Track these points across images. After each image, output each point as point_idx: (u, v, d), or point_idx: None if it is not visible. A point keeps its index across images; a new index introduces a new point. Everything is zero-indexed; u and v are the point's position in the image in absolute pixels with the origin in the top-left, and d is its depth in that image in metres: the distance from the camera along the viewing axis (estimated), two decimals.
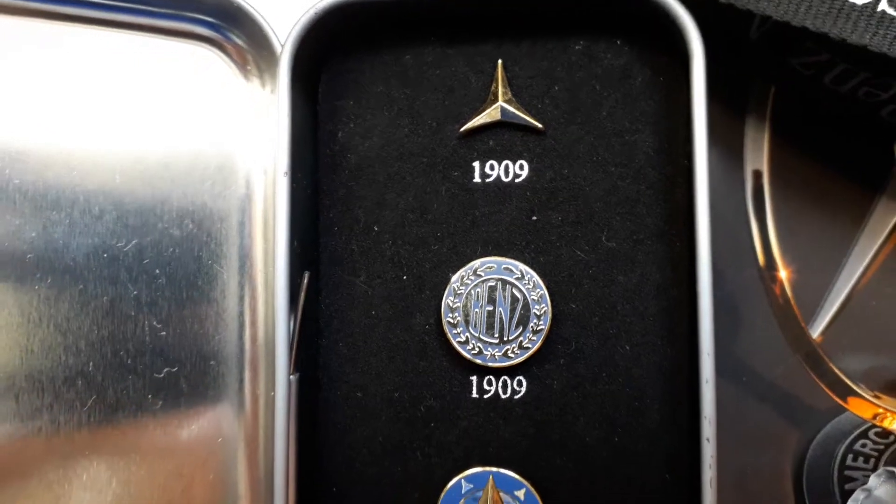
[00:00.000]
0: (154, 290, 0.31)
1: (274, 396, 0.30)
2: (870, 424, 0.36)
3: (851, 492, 0.35)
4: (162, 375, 0.31)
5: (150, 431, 0.31)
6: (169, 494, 0.31)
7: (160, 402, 0.30)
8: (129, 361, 0.30)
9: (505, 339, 0.29)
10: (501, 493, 0.29)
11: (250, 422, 0.32)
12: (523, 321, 0.29)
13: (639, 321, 0.30)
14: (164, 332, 0.31)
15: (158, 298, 0.31)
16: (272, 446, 0.30)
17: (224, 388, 0.32)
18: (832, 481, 0.36)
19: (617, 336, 0.30)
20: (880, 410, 0.36)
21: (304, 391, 0.31)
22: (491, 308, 0.30)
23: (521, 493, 0.29)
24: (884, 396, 0.36)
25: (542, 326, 0.29)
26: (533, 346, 0.29)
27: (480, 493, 0.29)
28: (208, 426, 0.31)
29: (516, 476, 0.29)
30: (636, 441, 0.30)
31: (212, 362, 0.31)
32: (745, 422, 0.36)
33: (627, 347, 0.30)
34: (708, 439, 0.28)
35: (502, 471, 0.29)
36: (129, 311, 0.30)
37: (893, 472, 0.34)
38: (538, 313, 0.29)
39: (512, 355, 0.29)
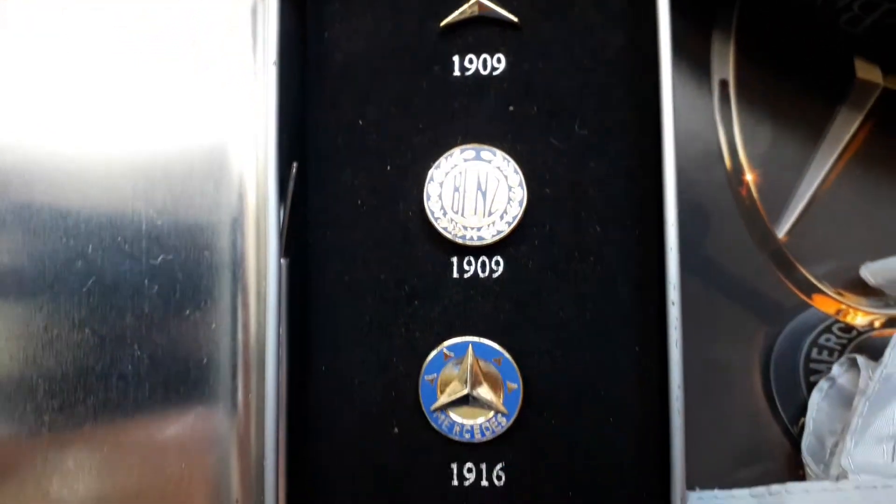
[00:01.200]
0: (152, 182, 0.33)
1: (266, 284, 0.31)
2: (833, 320, 0.38)
3: (816, 383, 0.37)
4: (158, 262, 0.32)
5: (145, 321, 0.32)
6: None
7: (156, 287, 0.32)
8: (126, 247, 0.32)
9: (483, 221, 0.31)
10: (480, 361, 0.31)
11: (242, 308, 0.33)
12: (501, 204, 0.31)
13: (609, 205, 0.32)
14: (159, 222, 0.32)
15: (155, 189, 0.33)
16: (264, 330, 0.31)
17: (218, 278, 0.33)
18: (798, 373, 0.38)
19: (588, 218, 0.32)
20: (843, 306, 0.38)
21: (294, 277, 0.32)
22: (470, 192, 0.31)
23: (498, 361, 0.31)
24: (846, 293, 0.38)
25: (519, 209, 0.31)
26: (509, 227, 0.31)
27: (461, 363, 0.31)
28: (201, 315, 0.33)
29: (494, 345, 0.31)
30: (607, 316, 0.31)
31: (205, 252, 0.33)
32: (715, 317, 0.37)
33: (598, 229, 0.32)
34: (673, 303, 0.29)
35: (481, 340, 0.31)
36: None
37: (856, 359, 0.36)
38: (514, 197, 0.31)
39: (490, 237, 0.31)
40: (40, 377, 0.31)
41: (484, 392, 0.30)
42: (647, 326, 0.31)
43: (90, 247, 0.31)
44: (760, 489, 0.32)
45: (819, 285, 0.38)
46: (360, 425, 0.31)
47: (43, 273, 0.31)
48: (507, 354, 0.31)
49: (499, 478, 0.31)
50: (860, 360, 0.35)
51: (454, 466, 0.31)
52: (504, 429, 0.30)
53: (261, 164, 0.33)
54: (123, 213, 0.32)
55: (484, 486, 0.31)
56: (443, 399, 0.30)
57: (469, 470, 0.31)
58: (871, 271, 0.36)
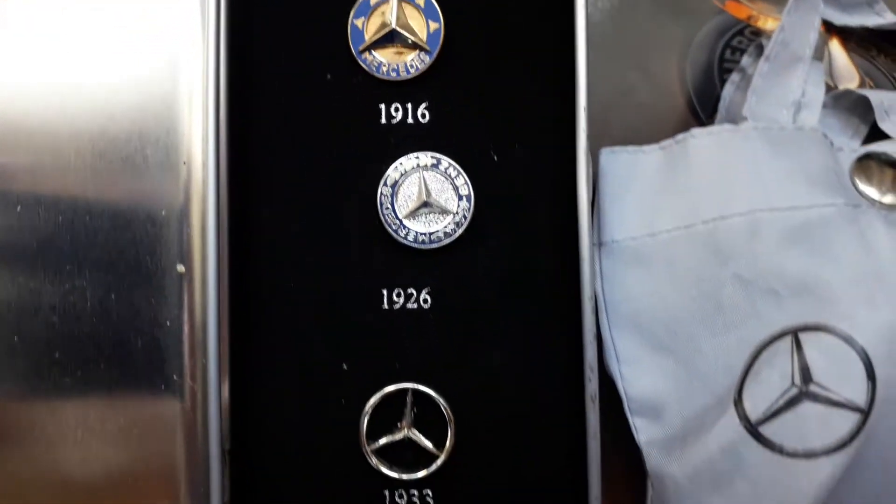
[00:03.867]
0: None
1: None
2: (745, 24, 0.40)
3: None
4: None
5: None
6: None
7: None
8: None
9: None
10: (404, 2, 0.33)
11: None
12: None
13: None
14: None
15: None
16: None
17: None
18: (713, 72, 0.40)
19: None
20: (754, 13, 0.40)
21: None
22: None
23: (421, 2, 0.33)
24: (757, 1, 0.40)
25: None
26: None
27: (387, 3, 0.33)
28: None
29: None
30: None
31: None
32: (630, 23, 0.40)
33: None
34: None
35: None
36: None
37: (761, 43, 0.38)
38: None
39: None
40: None
41: (406, 28, 0.32)
42: None
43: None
44: (668, 141, 0.35)
45: None
46: (294, 74, 0.34)
47: None
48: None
49: (423, 116, 0.33)
50: (765, 41, 0.38)
51: (382, 107, 0.33)
52: (427, 65, 0.33)
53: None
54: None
55: (410, 124, 0.33)
56: (369, 38, 0.33)
57: (396, 109, 0.33)
58: None
